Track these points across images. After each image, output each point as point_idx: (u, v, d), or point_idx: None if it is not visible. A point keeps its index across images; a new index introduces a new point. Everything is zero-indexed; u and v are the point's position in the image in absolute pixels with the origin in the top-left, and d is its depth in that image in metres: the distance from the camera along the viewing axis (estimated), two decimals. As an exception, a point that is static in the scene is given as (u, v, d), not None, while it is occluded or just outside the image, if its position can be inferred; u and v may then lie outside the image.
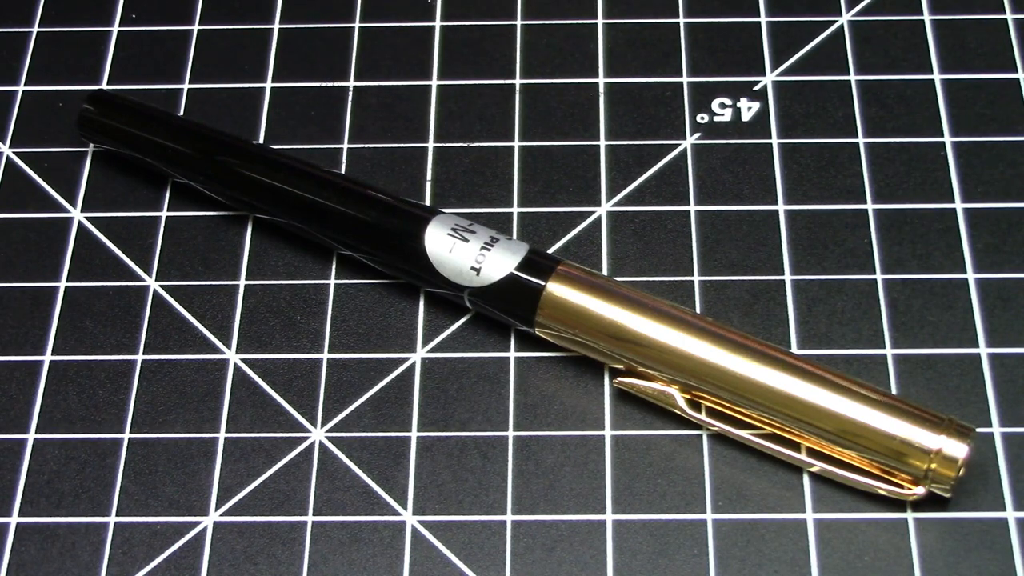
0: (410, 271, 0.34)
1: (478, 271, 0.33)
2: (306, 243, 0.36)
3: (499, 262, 0.33)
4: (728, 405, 0.32)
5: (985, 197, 0.36)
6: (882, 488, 0.31)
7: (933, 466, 0.31)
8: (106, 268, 0.36)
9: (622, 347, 0.32)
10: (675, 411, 0.33)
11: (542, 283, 0.33)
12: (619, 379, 0.33)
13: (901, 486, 0.31)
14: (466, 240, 0.33)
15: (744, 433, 0.32)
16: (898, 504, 0.32)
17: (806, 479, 0.32)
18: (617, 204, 0.37)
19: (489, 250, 0.33)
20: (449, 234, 0.33)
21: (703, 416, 0.33)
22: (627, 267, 0.35)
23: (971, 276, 0.35)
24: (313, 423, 0.34)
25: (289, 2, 0.41)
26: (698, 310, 0.35)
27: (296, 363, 0.34)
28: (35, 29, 0.41)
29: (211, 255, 0.36)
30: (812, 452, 0.32)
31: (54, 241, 0.36)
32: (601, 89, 0.39)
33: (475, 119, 0.38)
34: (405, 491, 0.32)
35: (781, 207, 0.36)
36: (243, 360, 0.34)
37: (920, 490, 0.31)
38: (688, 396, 0.32)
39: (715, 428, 0.32)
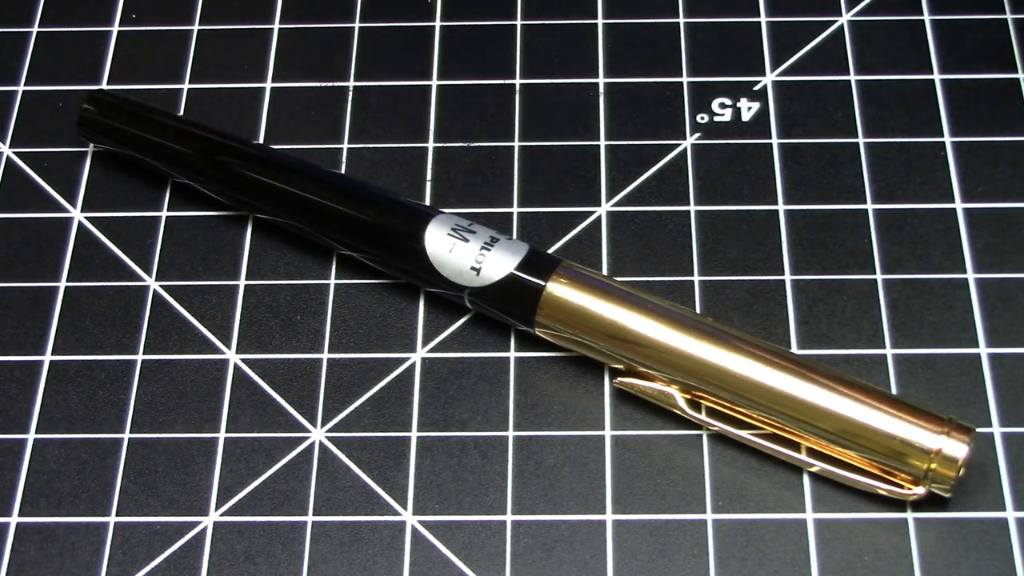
0: (410, 271, 0.34)
1: (478, 271, 0.33)
2: (306, 243, 0.36)
3: (499, 262, 0.33)
4: (728, 405, 0.32)
5: (985, 197, 0.36)
6: (882, 488, 0.31)
7: (933, 466, 0.31)
8: (106, 268, 0.36)
9: (622, 347, 0.32)
10: (675, 411, 0.33)
11: (542, 283, 0.33)
12: (619, 379, 0.33)
13: (901, 486, 0.31)
14: (466, 240, 0.33)
15: (744, 433, 0.32)
16: (898, 504, 0.32)
17: (806, 479, 0.32)
18: (617, 204, 0.37)
19: (489, 250, 0.33)
20: (449, 234, 0.33)
21: (703, 416, 0.33)
22: (627, 267, 0.35)
23: (971, 276, 0.35)
24: (313, 423, 0.34)
25: (289, 2, 0.41)
26: (698, 310, 0.35)
27: (296, 363, 0.34)
28: (35, 29, 0.41)
29: (211, 255, 0.36)
30: (812, 452, 0.32)
31: (54, 241, 0.36)
32: (601, 89, 0.39)
33: (475, 119, 0.38)
34: (405, 491, 0.32)
35: (781, 207, 0.36)
36: (243, 360, 0.34)
37: (920, 490, 0.31)
38: (688, 396, 0.33)
39: (715, 428, 0.32)
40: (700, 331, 0.32)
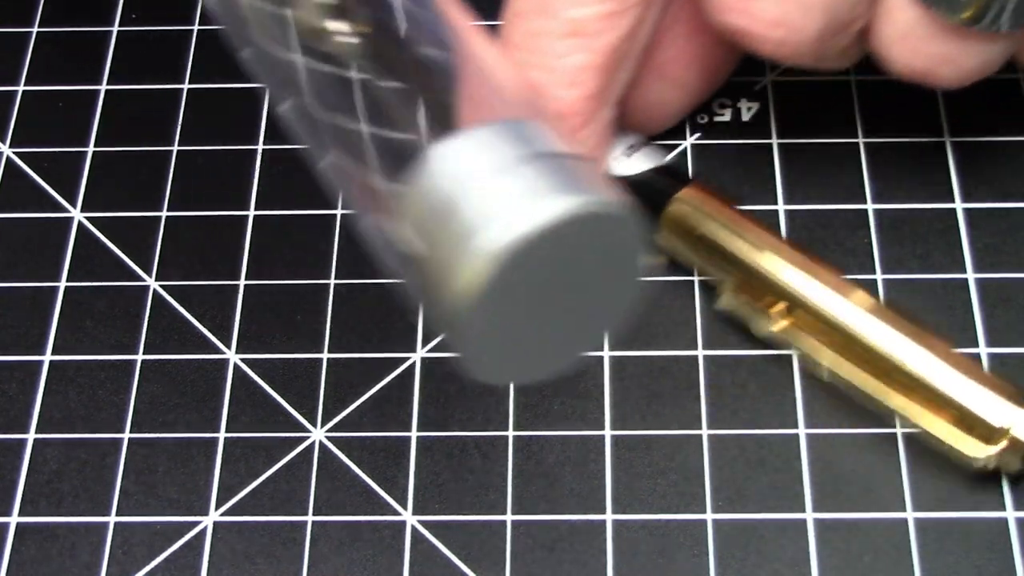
0: None
1: (627, 157, 0.35)
2: (306, 243, 0.36)
3: (640, 160, 0.34)
4: (830, 349, 0.33)
5: (985, 197, 0.36)
6: (960, 446, 0.31)
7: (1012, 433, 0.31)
8: (106, 268, 0.36)
9: (737, 270, 0.33)
10: (766, 334, 0.33)
11: (674, 190, 0.34)
12: (723, 297, 0.34)
13: (979, 446, 0.31)
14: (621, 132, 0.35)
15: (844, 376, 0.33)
16: (898, 504, 0.32)
17: (806, 479, 0.32)
18: (617, 204, 0.37)
19: (635, 151, 0.35)
20: None
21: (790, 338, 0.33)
22: (627, 267, 0.35)
23: (971, 276, 0.35)
24: (313, 423, 0.34)
25: (289, 2, 0.41)
26: (698, 310, 0.35)
27: (296, 363, 0.34)
28: (35, 29, 0.41)
29: (211, 255, 0.36)
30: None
31: (54, 241, 0.37)
32: (601, 89, 0.39)
33: (475, 119, 0.38)
34: (405, 491, 0.33)
35: (781, 207, 0.36)
36: (243, 360, 0.34)
37: (994, 449, 0.31)
38: (786, 321, 0.33)
39: (823, 369, 0.33)
40: (833, 286, 0.33)
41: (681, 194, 0.34)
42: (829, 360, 0.33)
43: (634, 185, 0.35)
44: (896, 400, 0.32)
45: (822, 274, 0.33)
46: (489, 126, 0.23)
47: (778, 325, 0.33)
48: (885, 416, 0.33)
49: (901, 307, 0.33)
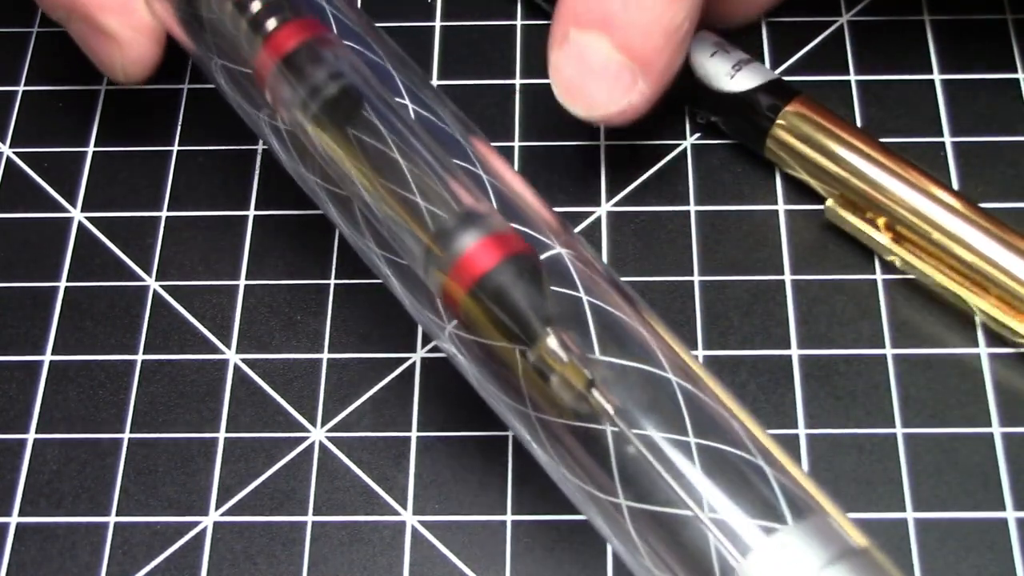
0: None
1: (732, 76, 0.36)
2: (306, 243, 0.36)
3: (747, 77, 0.35)
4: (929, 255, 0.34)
5: (985, 197, 0.36)
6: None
7: None
8: (106, 268, 0.36)
9: (847, 186, 0.34)
10: (878, 250, 0.34)
11: (781, 104, 0.35)
12: (829, 209, 0.35)
13: None
14: (727, 52, 0.36)
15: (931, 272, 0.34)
16: (898, 504, 0.32)
17: (806, 479, 0.32)
18: (617, 204, 0.37)
19: (740, 69, 0.36)
20: (713, 44, 0.36)
21: (901, 252, 0.34)
22: (627, 267, 0.35)
23: (971, 276, 0.35)
24: (313, 423, 0.34)
25: (289, 2, 0.41)
26: (698, 310, 0.35)
27: (296, 363, 0.34)
28: (35, 29, 0.41)
29: (211, 255, 0.36)
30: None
31: (54, 241, 0.37)
32: (601, 89, 0.39)
33: (475, 119, 0.38)
34: (405, 491, 0.33)
35: (781, 207, 0.36)
36: (243, 360, 0.34)
37: None
38: (891, 235, 0.34)
39: (907, 263, 0.34)
40: (935, 198, 0.34)
41: (788, 108, 0.35)
42: (933, 270, 0.34)
43: (742, 101, 0.36)
44: (999, 312, 0.33)
45: (927, 185, 0.34)
46: (794, 531, 0.25)
47: (883, 236, 0.34)
48: (886, 415, 0.33)
49: (1002, 218, 0.34)
